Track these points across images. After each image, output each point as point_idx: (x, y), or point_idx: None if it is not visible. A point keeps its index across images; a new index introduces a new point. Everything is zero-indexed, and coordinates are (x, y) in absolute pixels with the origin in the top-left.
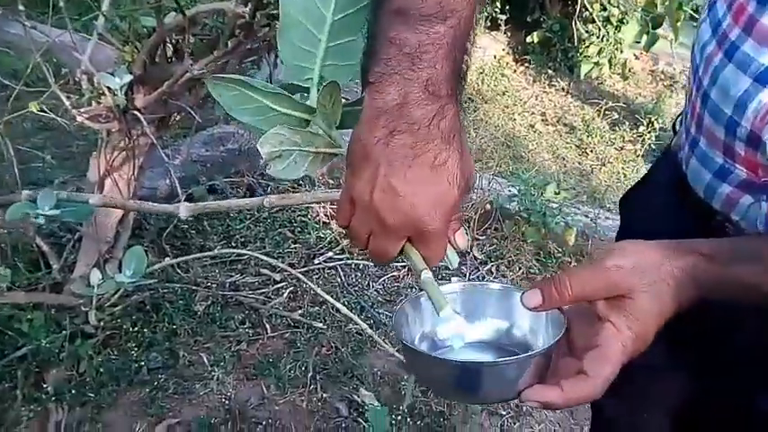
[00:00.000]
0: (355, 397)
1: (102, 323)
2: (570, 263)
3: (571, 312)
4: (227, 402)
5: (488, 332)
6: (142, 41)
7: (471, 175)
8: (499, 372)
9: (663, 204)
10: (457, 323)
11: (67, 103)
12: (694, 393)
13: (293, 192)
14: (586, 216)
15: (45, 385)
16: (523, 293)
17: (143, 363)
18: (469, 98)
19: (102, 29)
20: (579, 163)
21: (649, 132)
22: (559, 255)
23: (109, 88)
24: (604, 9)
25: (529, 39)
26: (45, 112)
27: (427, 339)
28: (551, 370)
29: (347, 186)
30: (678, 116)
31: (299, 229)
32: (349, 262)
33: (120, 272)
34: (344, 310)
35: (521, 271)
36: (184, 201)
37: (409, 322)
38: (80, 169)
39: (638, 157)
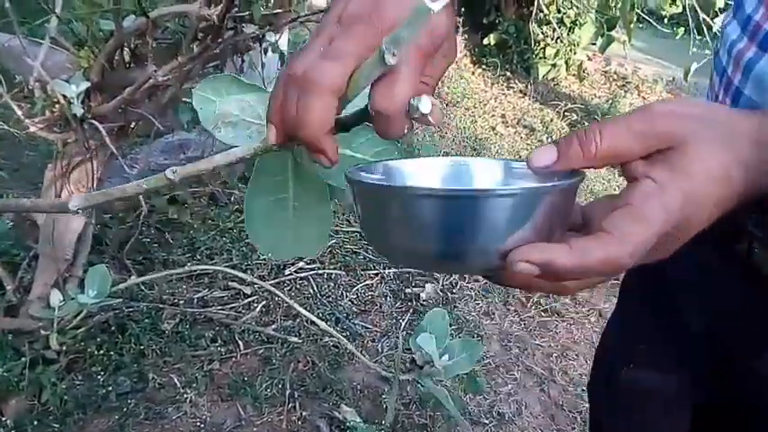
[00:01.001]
0: (336, 413)
1: (64, 347)
2: None
3: (588, 205)
4: (201, 426)
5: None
6: (99, 46)
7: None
8: (495, 208)
9: None
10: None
11: (19, 112)
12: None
13: None
14: None
15: (4, 418)
16: (532, 152)
17: (110, 387)
18: None
19: (56, 32)
20: None
21: None
22: None
23: (64, 96)
24: (559, 11)
25: (486, 41)
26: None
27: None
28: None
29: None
30: None
31: None
32: (320, 272)
33: (83, 292)
34: (321, 323)
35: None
36: (145, 213)
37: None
38: (32, 181)
39: None
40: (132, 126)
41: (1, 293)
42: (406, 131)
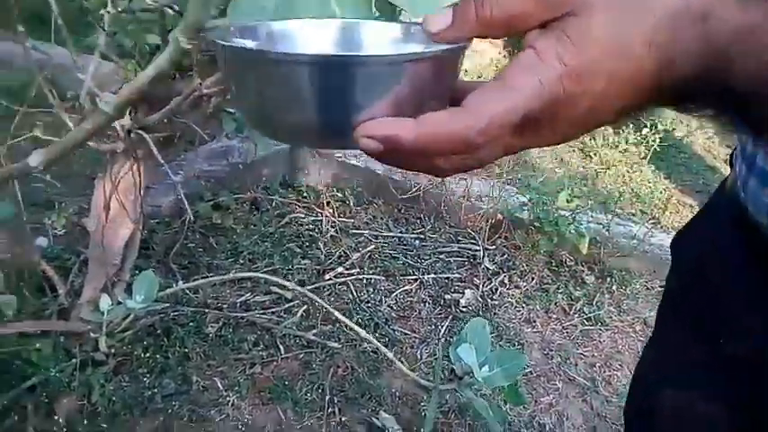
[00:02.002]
0: (375, 420)
1: (112, 350)
2: (584, 272)
3: (475, 83)
4: (243, 429)
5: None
6: (146, 59)
7: None
8: (343, 76)
9: (722, 245)
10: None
11: (71, 123)
12: None
13: (297, 205)
14: (598, 223)
15: (56, 417)
16: (427, 15)
17: (156, 389)
18: None
19: (105, 47)
20: (584, 167)
21: (653, 134)
22: (572, 263)
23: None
24: None
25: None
26: (50, 138)
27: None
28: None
29: None
30: (733, 150)
31: (308, 243)
32: (360, 277)
33: (130, 295)
34: (359, 330)
35: (534, 281)
36: (192, 216)
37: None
38: (83, 189)
39: (642, 159)
40: (177, 135)
41: (54, 297)
42: None
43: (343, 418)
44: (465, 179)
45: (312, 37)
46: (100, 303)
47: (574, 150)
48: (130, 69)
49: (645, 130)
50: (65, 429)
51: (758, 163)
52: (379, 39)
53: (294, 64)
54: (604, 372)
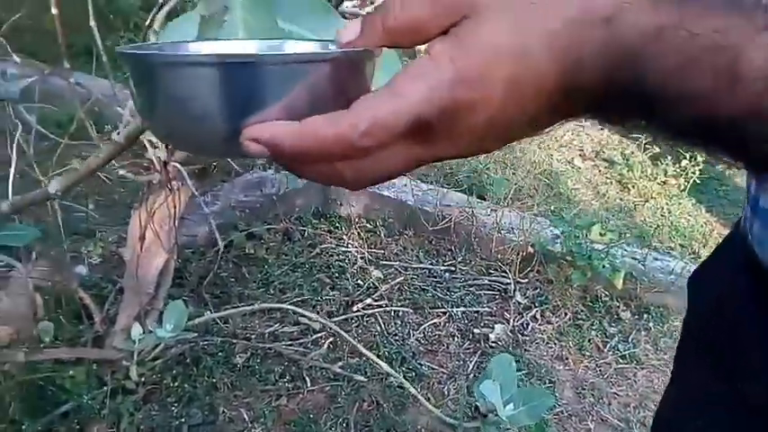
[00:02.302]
0: None
1: (142, 378)
2: (619, 308)
3: None
4: None
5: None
6: None
7: None
8: (230, 77)
9: (735, 288)
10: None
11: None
12: None
13: (328, 236)
14: (634, 258)
15: None
16: (342, 27)
17: (183, 419)
18: None
19: None
20: (621, 199)
21: (693, 166)
22: (607, 299)
23: (150, 141)
24: None
25: None
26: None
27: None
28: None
29: None
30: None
31: (337, 274)
32: (388, 309)
33: (161, 325)
34: (384, 365)
35: (567, 316)
36: (223, 248)
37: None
38: (122, 218)
39: (681, 191)
40: (213, 167)
41: (90, 324)
42: None
43: None
44: (495, 210)
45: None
46: (132, 332)
47: (611, 182)
48: None
49: (684, 162)
50: None
51: (761, 205)
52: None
53: (185, 66)
54: (639, 413)
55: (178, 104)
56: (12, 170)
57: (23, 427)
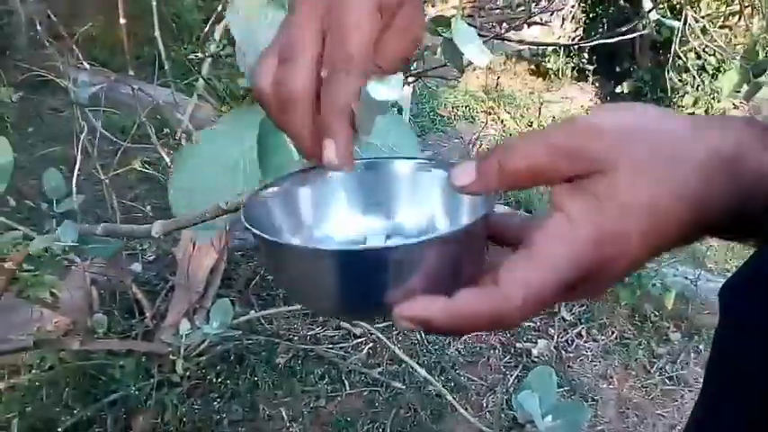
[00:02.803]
0: None
1: (188, 372)
2: (668, 328)
3: (532, 217)
4: None
5: (390, 224)
6: (238, 102)
7: None
8: (364, 264)
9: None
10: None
11: (168, 159)
12: None
13: None
14: (686, 278)
15: None
16: (453, 167)
17: (224, 414)
18: None
19: (202, 90)
20: None
21: None
22: (656, 319)
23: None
24: (699, 57)
25: (618, 89)
26: (147, 167)
27: (302, 234)
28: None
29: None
30: None
31: None
32: None
33: (208, 322)
34: (424, 373)
35: (614, 335)
36: None
37: (272, 212)
38: None
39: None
40: None
41: (141, 319)
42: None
43: None
44: None
45: (338, 200)
46: (180, 327)
47: None
48: (225, 111)
49: None
50: None
51: None
52: (406, 191)
53: (320, 257)
54: None
55: (317, 287)
56: (76, 169)
57: (75, 411)
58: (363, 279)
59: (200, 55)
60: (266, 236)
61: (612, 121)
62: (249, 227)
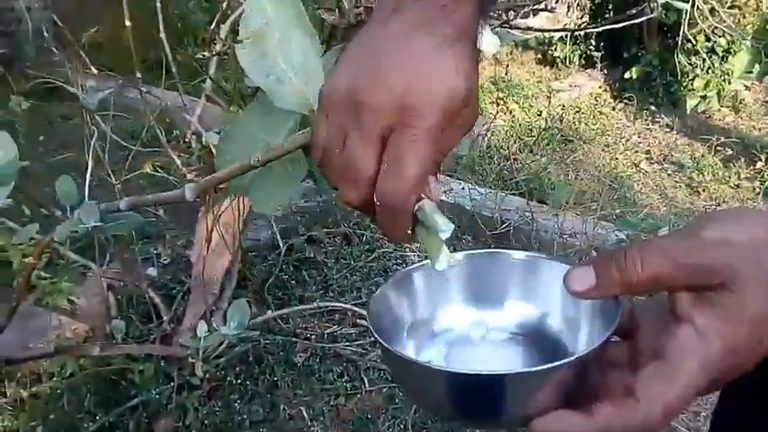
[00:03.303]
0: None
1: (207, 375)
2: None
3: (641, 305)
4: None
5: (506, 320)
6: (246, 100)
7: (475, 77)
8: (507, 386)
9: None
10: (460, 308)
11: (178, 161)
12: None
13: (386, 240)
14: None
15: None
16: (569, 271)
17: (245, 415)
18: (567, 138)
19: (210, 90)
20: (691, 203)
21: None
22: None
23: (215, 145)
24: (708, 40)
25: (627, 74)
26: (158, 170)
27: (421, 330)
28: (593, 386)
29: (321, 94)
30: None
31: None
32: None
33: (225, 324)
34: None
35: None
36: (285, 251)
37: (393, 308)
38: (190, 222)
39: (757, 195)
40: None
41: (159, 323)
42: (408, 233)
43: None
44: (557, 215)
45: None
46: (198, 330)
47: (680, 186)
48: (233, 111)
49: (759, 164)
50: None
51: None
52: (522, 282)
53: (449, 378)
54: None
55: (445, 401)
56: (88, 175)
57: (97, 417)
58: (491, 399)
59: (206, 55)
60: (393, 349)
61: (731, 236)
62: (378, 338)
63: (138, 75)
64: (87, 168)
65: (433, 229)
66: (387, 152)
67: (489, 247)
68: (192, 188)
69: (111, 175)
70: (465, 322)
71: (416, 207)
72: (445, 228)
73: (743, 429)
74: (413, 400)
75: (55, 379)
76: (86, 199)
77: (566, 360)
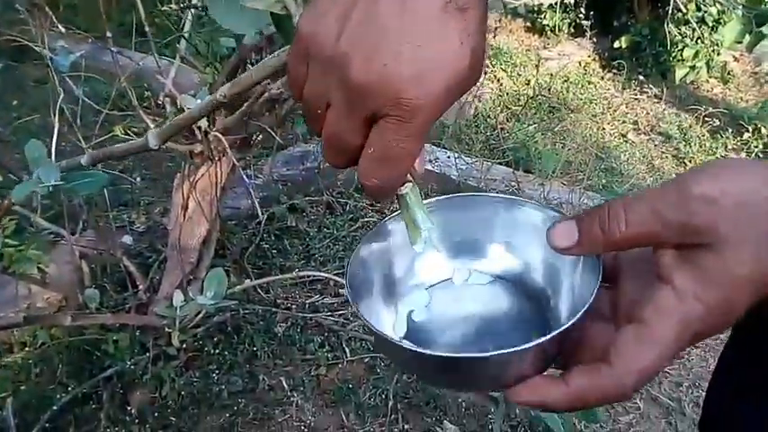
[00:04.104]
0: (439, 429)
1: (184, 345)
2: None
3: (624, 257)
4: (305, 430)
5: (488, 265)
6: (222, 63)
7: (483, 52)
8: (493, 364)
9: None
10: (438, 258)
11: (152, 125)
12: None
13: (370, 209)
14: None
15: (129, 407)
16: (551, 226)
17: (223, 386)
18: (554, 107)
19: (185, 52)
20: (677, 174)
21: (756, 140)
22: None
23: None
24: (699, 9)
25: (616, 44)
26: (129, 133)
27: (403, 280)
28: (579, 337)
29: (301, 22)
30: None
31: None
32: None
33: (202, 293)
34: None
35: None
36: (265, 220)
37: (369, 267)
38: (167, 190)
39: None
40: (254, 138)
41: (134, 292)
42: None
43: (406, 426)
44: (543, 184)
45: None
46: (174, 299)
47: (667, 157)
48: (208, 73)
49: (746, 135)
50: (136, 420)
51: None
52: (502, 226)
53: (434, 360)
54: (692, 392)
55: (432, 374)
56: (54, 139)
57: (70, 388)
58: (472, 375)
59: (181, 15)
60: (378, 330)
61: (720, 191)
62: (363, 317)
63: (109, 34)
64: (54, 132)
65: (411, 221)
66: (374, 137)
67: None
68: (156, 134)
69: (82, 141)
70: (446, 268)
71: (400, 190)
72: (424, 227)
73: (737, 406)
74: (393, 363)
75: (27, 349)
76: (53, 162)
77: (546, 337)
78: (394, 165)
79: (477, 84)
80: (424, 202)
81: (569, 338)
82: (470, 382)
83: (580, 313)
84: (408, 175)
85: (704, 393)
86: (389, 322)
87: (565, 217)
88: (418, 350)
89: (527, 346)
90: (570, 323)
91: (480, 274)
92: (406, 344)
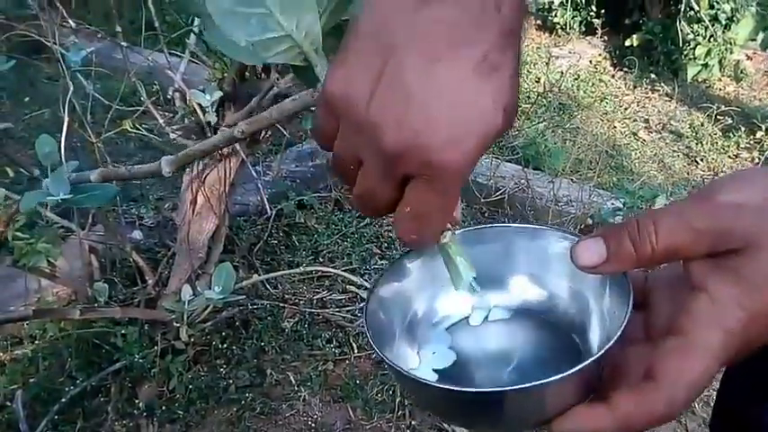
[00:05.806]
0: (445, 426)
1: (192, 339)
2: None
3: (651, 279)
4: (312, 426)
5: (509, 298)
6: (231, 59)
7: (516, 106)
8: (525, 397)
9: None
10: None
11: (161, 120)
12: None
13: None
14: None
15: (137, 401)
16: (575, 244)
17: (231, 381)
18: (565, 105)
19: (195, 48)
20: (688, 173)
21: None
22: None
23: (200, 105)
24: (712, 7)
25: (628, 42)
26: (140, 130)
27: (420, 326)
28: (616, 364)
29: (330, 81)
30: None
31: (386, 244)
32: None
33: (211, 288)
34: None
35: None
36: (274, 216)
37: (388, 308)
38: (176, 185)
39: (756, 165)
40: (263, 134)
41: (143, 286)
42: None
43: (413, 422)
44: (552, 182)
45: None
46: (182, 293)
47: (678, 155)
48: (218, 69)
49: (759, 134)
50: (144, 413)
51: None
52: (527, 256)
53: (464, 398)
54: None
55: (463, 416)
56: (63, 136)
57: (78, 381)
58: (512, 410)
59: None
60: (402, 369)
61: (746, 197)
62: (384, 357)
63: (119, 28)
64: (63, 128)
65: (454, 267)
66: (410, 196)
67: (483, 215)
68: (170, 162)
69: (92, 136)
70: (467, 305)
71: (440, 239)
72: (466, 276)
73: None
74: (423, 407)
75: (36, 342)
76: (63, 160)
77: (588, 360)
78: (431, 221)
79: None
80: None
81: (607, 364)
82: (511, 418)
83: (619, 331)
84: (447, 224)
85: (714, 393)
86: (414, 365)
87: (589, 235)
88: (455, 389)
89: (569, 372)
90: (612, 342)
91: (500, 309)
92: (444, 384)
